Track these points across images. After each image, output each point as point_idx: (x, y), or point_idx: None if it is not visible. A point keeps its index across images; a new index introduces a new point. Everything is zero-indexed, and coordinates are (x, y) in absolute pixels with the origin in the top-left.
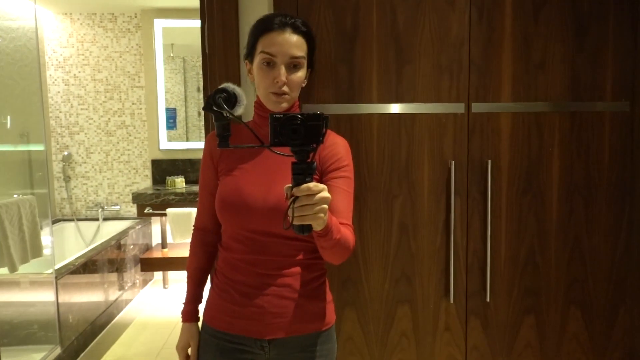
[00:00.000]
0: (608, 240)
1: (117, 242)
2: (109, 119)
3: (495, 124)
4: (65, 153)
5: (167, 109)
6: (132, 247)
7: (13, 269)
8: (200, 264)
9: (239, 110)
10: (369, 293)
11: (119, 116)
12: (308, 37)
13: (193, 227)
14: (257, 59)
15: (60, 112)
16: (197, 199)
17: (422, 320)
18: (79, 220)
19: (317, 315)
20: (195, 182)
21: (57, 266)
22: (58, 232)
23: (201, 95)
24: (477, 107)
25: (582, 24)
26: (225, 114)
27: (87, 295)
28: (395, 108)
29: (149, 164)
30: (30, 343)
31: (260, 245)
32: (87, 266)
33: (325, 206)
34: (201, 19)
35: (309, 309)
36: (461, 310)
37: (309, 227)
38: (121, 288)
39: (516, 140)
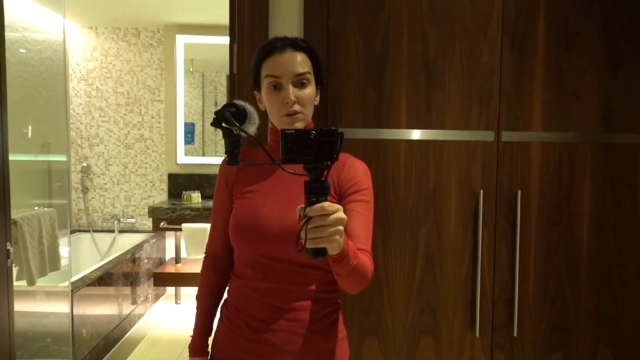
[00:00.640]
0: None
1: (132, 256)
2: (129, 131)
3: (525, 154)
4: (84, 164)
5: (186, 124)
6: (146, 261)
7: (31, 282)
8: (211, 292)
9: (250, 129)
10: (391, 323)
11: (138, 129)
12: (310, 53)
13: (204, 253)
14: (264, 84)
15: (81, 123)
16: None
17: (446, 352)
18: (94, 231)
19: (330, 353)
20: (210, 197)
21: (73, 278)
22: (74, 243)
23: None
24: (507, 136)
25: (616, 54)
26: (235, 131)
27: (101, 309)
28: (423, 134)
29: (165, 178)
30: (43, 357)
31: (273, 273)
32: (103, 279)
33: (341, 228)
34: (230, 39)
35: (322, 346)
36: (487, 343)
37: (323, 251)
38: (134, 302)
39: (546, 170)
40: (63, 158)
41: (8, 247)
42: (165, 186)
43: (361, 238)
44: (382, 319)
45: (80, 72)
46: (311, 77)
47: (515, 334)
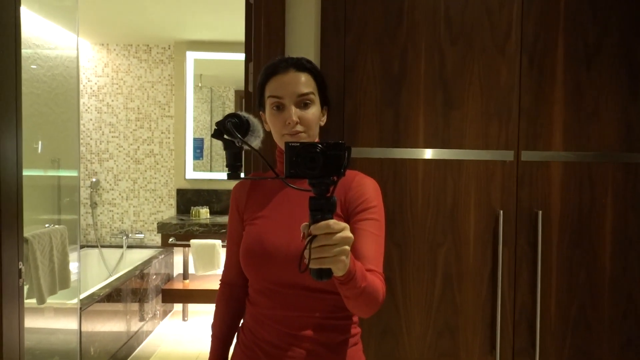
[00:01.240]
0: None
1: (141, 272)
2: (138, 147)
3: (546, 173)
4: (94, 179)
5: (195, 139)
6: (154, 277)
7: (41, 301)
8: (226, 321)
9: (253, 142)
10: (409, 346)
11: (147, 144)
12: (314, 73)
13: (220, 282)
14: (267, 104)
15: (91, 139)
16: (222, 230)
17: None
18: (102, 246)
19: None
20: (219, 213)
21: (81, 295)
22: (82, 259)
23: None
24: (527, 155)
25: (636, 72)
26: (237, 143)
27: (109, 326)
28: (441, 153)
29: (174, 193)
30: None
31: (286, 300)
32: (112, 296)
33: (347, 247)
34: (246, 57)
35: None
36: None
37: (328, 272)
38: (142, 319)
39: (567, 190)
40: (74, 173)
41: (20, 267)
42: (173, 201)
43: (371, 258)
44: (400, 342)
45: (91, 88)
46: (315, 98)
47: (537, 358)
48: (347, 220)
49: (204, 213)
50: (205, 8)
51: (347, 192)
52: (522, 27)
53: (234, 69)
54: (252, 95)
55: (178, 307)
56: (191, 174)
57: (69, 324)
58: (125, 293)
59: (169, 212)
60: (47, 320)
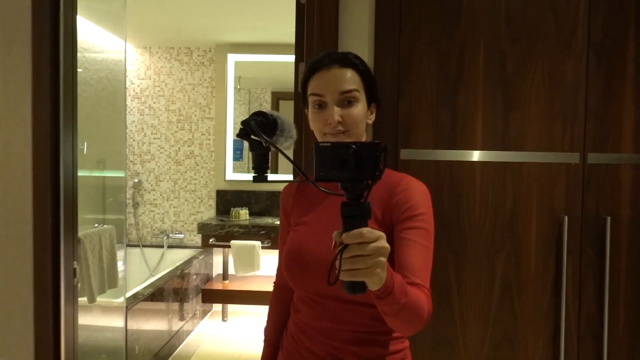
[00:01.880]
0: None
1: (182, 272)
2: (179, 148)
3: (615, 177)
4: (136, 180)
5: (235, 140)
6: (194, 277)
7: (92, 299)
8: (277, 324)
9: (283, 143)
10: (466, 357)
11: (188, 146)
12: (360, 69)
13: (273, 284)
14: (310, 102)
15: (133, 140)
16: (261, 232)
17: None
18: (143, 246)
19: None
20: (258, 214)
21: (127, 294)
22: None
23: None
24: (594, 158)
25: None
26: (264, 144)
27: (152, 324)
28: (501, 156)
29: (213, 194)
30: None
31: (328, 311)
32: (155, 295)
33: (383, 259)
34: (296, 57)
35: None
36: None
37: (361, 286)
38: (182, 319)
39: (638, 195)
40: (121, 174)
41: (75, 266)
42: (213, 202)
43: (416, 270)
44: (456, 353)
45: (134, 91)
46: (360, 95)
47: None
48: (391, 228)
49: (243, 214)
50: (246, 10)
51: (393, 197)
52: (590, 22)
53: (271, 70)
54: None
55: (217, 307)
56: (231, 175)
57: (116, 322)
58: (167, 293)
59: (208, 212)
60: (94, 318)
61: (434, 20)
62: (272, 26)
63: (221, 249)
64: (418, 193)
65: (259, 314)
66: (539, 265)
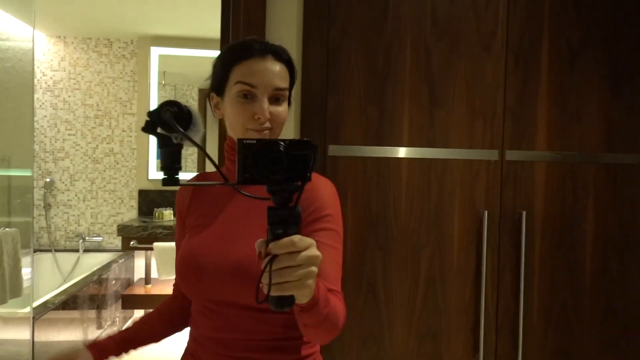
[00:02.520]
0: None
1: (99, 277)
2: (97, 145)
3: (530, 173)
4: (48, 180)
5: None
6: (114, 282)
7: None
8: (156, 315)
9: (194, 139)
10: (391, 352)
11: (107, 143)
12: (291, 67)
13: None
14: (232, 90)
15: (45, 136)
16: None
17: None
18: (56, 251)
19: None
20: None
21: (35, 303)
22: (34, 263)
23: None
24: (511, 155)
25: (618, 73)
26: (175, 139)
27: (64, 335)
28: (426, 152)
29: (135, 194)
30: None
31: (225, 320)
32: (67, 303)
33: (314, 269)
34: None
35: None
36: None
37: (289, 300)
38: (100, 327)
39: (550, 190)
40: (27, 173)
41: None
42: (135, 203)
43: (329, 275)
44: (382, 349)
45: (46, 83)
46: (287, 95)
47: None
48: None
49: (167, 215)
50: (169, 1)
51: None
52: (508, 25)
53: (199, 66)
54: None
55: (139, 313)
56: (154, 174)
57: (21, 334)
58: (82, 300)
59: (129, 214)
60: None
61: (363, 15)
62: (197, 19)
63: (143, 252)
64: (326, 192)
65: None
66: (461, 260)
